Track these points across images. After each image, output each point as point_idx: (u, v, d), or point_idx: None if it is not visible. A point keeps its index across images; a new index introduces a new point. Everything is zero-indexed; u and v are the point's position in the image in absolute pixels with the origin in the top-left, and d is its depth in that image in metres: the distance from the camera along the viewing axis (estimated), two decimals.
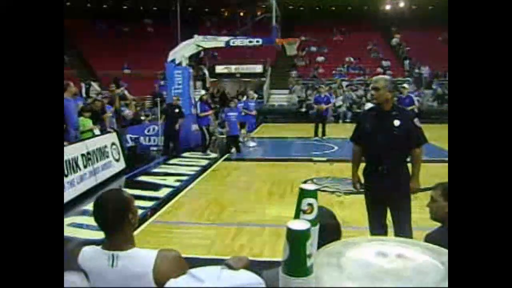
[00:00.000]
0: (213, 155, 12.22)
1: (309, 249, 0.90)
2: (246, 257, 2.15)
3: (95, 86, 20.39)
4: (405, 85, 14.64)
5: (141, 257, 1.99)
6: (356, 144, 4.55)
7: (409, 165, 4.33)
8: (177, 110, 12.30)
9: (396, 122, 4.16)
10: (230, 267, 2.08)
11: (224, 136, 13.68)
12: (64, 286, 1.24)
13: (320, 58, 28.30)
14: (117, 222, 2.00)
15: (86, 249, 2.07)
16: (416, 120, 4.28)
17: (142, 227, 5.99)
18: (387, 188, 4.23)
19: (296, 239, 0.88)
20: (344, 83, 24.97)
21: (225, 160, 11.68)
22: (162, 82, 15.38)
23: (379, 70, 25.25)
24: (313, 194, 1.05)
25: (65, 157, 7.59)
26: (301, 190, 1.03)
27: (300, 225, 0.89)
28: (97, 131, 9.62)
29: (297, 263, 0.89)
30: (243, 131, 14.44)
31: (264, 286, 0.99)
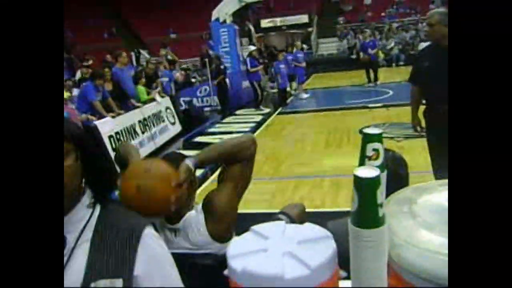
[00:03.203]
0: (267, 110, 12.18)
1: (380, 198, 0.82)
2: (301, 203, 2.11)
3: (144, 53, 20.66)
4: None
5: (193, 221, 1.94)
6: (415, 85, 4.35)
7: None
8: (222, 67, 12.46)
9: None
10: (286, 215, 2.05)
11: (276, 90, 13.58)
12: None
13: (367, 1, 27.17)
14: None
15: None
16: None
17: (203, 186, 6.08)
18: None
19: (365, 188, 0.81)
20: (395, 25, 23.95)
21: (278, 114, 11.62)
22: (210, 42, 15.31)
23: (432, 6, 23.95)
24: (378, 138, 0.96)
25: (123, 126, 7.80)
26: (365, 134, 0.95)
27: (368, 172, 0.81)
28: (158, 97, 9.75)
29: (368, 213, 0.82)
30: (293, 83, 14.26)
31: (331, 239, 0.94)
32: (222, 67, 12.62)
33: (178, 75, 13.33)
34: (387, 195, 1.07)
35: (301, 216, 2.11)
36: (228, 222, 1.95)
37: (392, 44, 22.17)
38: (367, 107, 10.98)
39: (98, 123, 7.18)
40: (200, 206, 1.98)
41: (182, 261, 1.82)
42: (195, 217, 1.95)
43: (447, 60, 3.14)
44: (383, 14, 25.71)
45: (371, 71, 14.94)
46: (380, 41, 20.84)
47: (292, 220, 2.10)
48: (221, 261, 1.51)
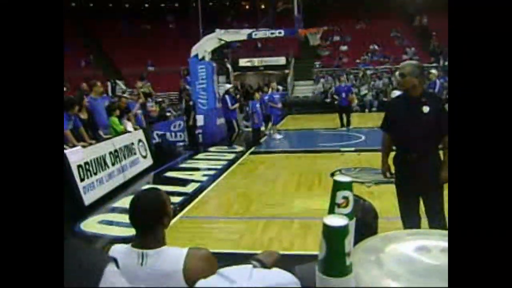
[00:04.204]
0: (239, 148, 12.20)
1: (347, 247, 0.83)
2: (277, 252, 2.09)
3: (120, 84, 20.61)
4: (433, 70, 14.30)
5: (170, 255, 1.96)
6: (386, 132, 4.46)
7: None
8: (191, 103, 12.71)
9: (425, 109, 4.04)
10: (260, 262, 2.03)
11: (250, 129, 13.65)
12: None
13: (343, 47, 27.96)
14: (153, 223, 1.99)
15: (115, 247, 2.05)
16: (446, 107, 4.10)
17: (171, 223, 5.98)
18: (417, 177, 4.12)
19: (333, 236, 0.82)
20: (369, 72, 24.63)
21: (251, 153, 11.63)
22: (188, 78, 15.46)
23: (405, 57, 24.79)
24: (348, 186, 0.98)
25: (94, 156, 7.68)
26: (335, 182, 0.96)
27: (337, 220, 0.82)
28: (130, 127, 9.71)
29: (335, 262, 0.83)
30: (268, 124, 14.39)
31: (299, 285, 0.93)
32: (191, 103, 12.78)
33: (150, 106, 13.34)
34: (356, 242, 1.08)
35: (275, 266, 2.10)
36: (207, 271, 1.96)
37: (366, 91, 22.72)
38: (339, 151, 11.10)
39: (67, 152, 7.05)
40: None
41: None
42: (178, 250, 1.98)
43: (414, 111, 3.23)
44: (358, 61, 26.43)
45: (344, 116, 15.25)
46: (354, 87, 21.41)
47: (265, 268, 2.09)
48: None
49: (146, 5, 32.33)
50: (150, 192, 2.16)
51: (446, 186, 4.13)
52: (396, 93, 10.39)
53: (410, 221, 4.23)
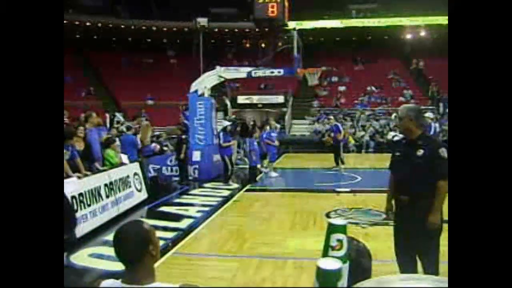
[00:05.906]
0: (235, 185, 12.16)
1: None
2: None
3: (119, 117, 20.72)
4: (430, 113, 14.44)
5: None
6: (391, 173, 4.49)
7: None
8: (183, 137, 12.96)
9: (419, 152, 4.06)
10: None
11: (247, 166, 13.65)
12: None
13: (341, 88, 28.35)
14: (136, 255, 1.94)
15: (105, 282, 2.01)
16: (441, 151, 4.07)
17: (163, 258, 5.91)
18: (408, 220, 4.13)
19: (327, 280, 0.81)
20: (366, 113, 24.86)
21: (247, 190, 11.58)
22: (186, 113, 15.55)
23: (402, 99, 25.10)
24: (342, 229, 0.98)
25: (88, 187, 7.64)
26: (330, 225, 0.96)
27: (331, 264, 0.82)
28: (125, 160, 9.71)
29: None
30: (264, 161, 14.39)
31: None
32: (183, 137, 12.87)
33: (151, 143, 13.39)
34: (350, 284, 1.07)
35: None
36: None
37: (363, 132, 22.88)
38: (335, 191, 11.06)
39: None
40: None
41: None
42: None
43: (409, 153, 3.28)
44: (355, 101, 26.75)
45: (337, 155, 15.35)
46: (351, 127, 21.66)
47: None
48: None
49: (148, 39, 32.85)
50: (131, 224, 2.12)
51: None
52: (392, 134, 10.46)
53: (403, 263, 4.23)
